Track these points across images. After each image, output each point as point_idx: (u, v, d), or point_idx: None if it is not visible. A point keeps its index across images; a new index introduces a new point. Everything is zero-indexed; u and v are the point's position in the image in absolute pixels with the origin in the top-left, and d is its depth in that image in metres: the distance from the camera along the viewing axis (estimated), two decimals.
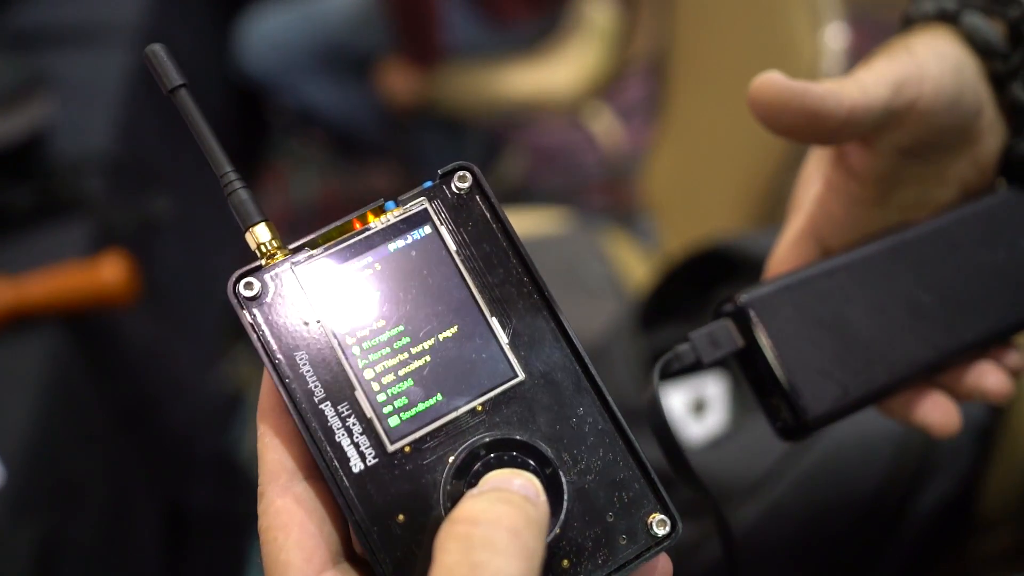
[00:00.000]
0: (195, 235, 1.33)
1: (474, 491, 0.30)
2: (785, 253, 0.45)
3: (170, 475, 1.13)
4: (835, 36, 1.01)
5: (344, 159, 2.14)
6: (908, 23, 0.44)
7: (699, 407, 0.80)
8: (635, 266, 1.31)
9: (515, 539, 0.27)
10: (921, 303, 0.43)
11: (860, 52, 1.10)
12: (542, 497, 0.29)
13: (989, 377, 0.43)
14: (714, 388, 0.80)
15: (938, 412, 0.43)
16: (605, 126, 1.92)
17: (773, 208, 1.06)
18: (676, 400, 0.80)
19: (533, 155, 2.18)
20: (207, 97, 1.62)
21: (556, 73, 1.77)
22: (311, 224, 2.12)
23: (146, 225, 1.08)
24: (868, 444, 0.67)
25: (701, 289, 0.84)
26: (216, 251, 1.41)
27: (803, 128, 0.40)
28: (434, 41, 1.66)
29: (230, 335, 1.45)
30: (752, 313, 0.41)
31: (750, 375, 0.42)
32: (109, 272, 0.90)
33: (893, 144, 0.42)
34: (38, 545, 0.79)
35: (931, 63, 0.40)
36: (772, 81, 0.39)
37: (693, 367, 0.42)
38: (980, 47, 0.42)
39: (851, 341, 0.42)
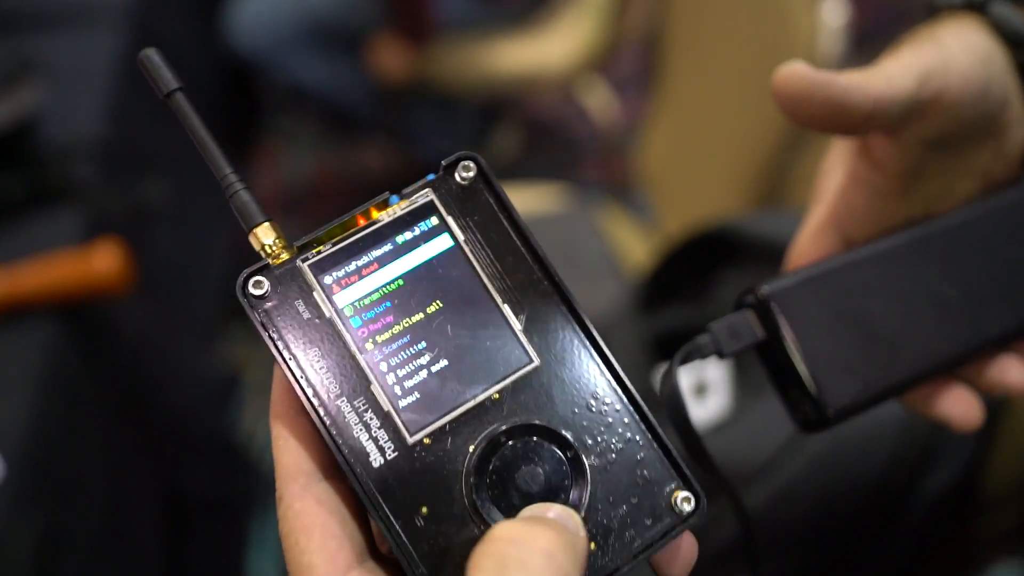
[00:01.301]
0: (189, 219, 1.31)
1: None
2: (806, 244, 0.45)
3: (169, 461, 1.13)
4: (833, 12, 1.00)
5: (337, 137, 2.12)
6: (933, 11, 0.43)
7: (700, 390, 0.80)
8: (632, 244, 1.30)
9: (550, 561, 0.27)
10: (944, 296, 0.42)
11: (859, 28, 1.08)
12: (582, 533, 0.29)
13: (1011, 371, 0.43)
14: (715, 371, 0.80)
15: (960, 406, 0.43)
16: (600, 99, 1.91)
17: (772, 184, 1.05)
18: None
19: (527, 130, 2.17)
20: (197, 76, 1.60)
21: (550, 47, 1.75)
22: (305, 203, 2.09)
23: (139, 211, 1.07)
24: (874, 428, 0.67)
25: (701, 271, 0.84)
26: (210, 234, 1.40)
27: (827, 120, 0.39)
28: (426, 17, 1.65)
29: (225, 317, 1.45)
30: (774, 305, 0.41)
31: (770, 367, 0.42)
32: (103, 260, 0.88)
33: (918, 136, 0.41)
34: (39, 538, 0.78)
35: (959, 53, 0.40)
36: (796, 72, 0.38)
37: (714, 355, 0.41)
38: (1009, 37, 0.41)
39: (873, 334, 0.41)
